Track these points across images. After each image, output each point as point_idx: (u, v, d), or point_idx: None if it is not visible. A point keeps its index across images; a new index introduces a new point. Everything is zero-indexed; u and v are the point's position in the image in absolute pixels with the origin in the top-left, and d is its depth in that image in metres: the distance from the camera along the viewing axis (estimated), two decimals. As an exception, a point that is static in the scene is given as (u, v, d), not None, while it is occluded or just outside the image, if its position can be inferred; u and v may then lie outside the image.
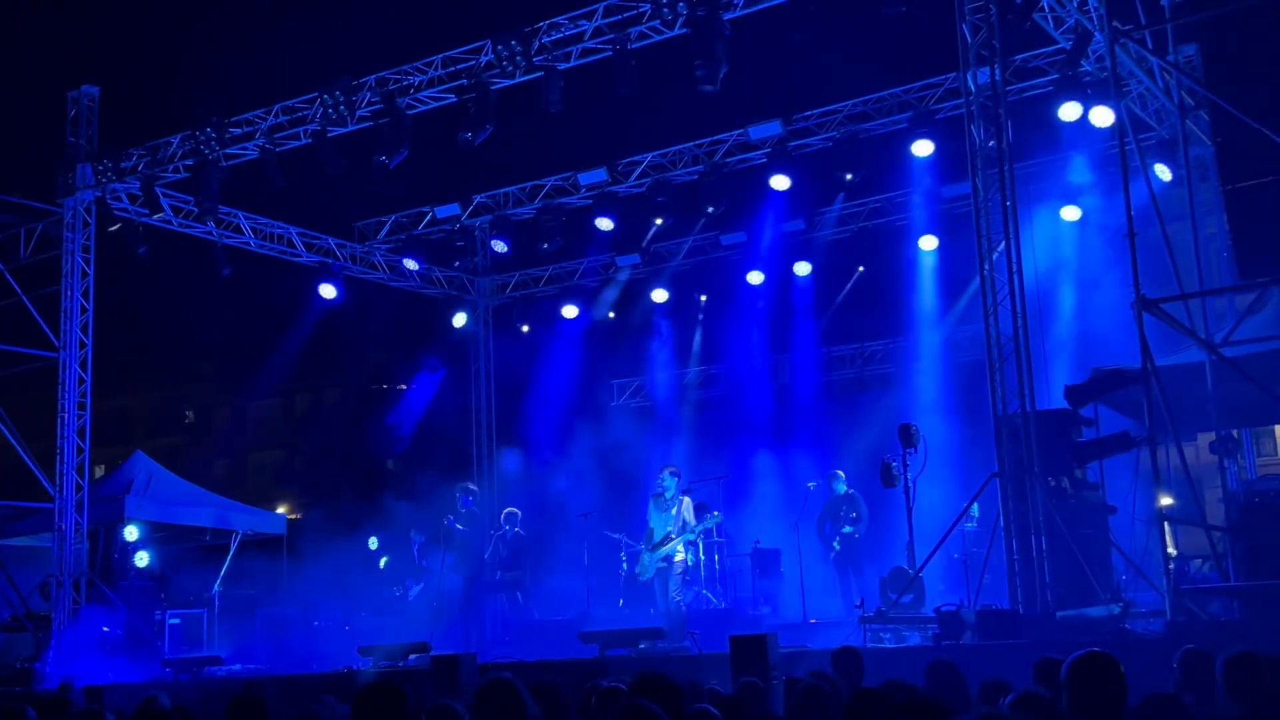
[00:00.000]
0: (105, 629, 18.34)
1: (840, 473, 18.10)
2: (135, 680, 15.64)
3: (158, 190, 19.04)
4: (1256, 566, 11.79)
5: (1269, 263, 15.85)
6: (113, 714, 8.82)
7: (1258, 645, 6.35)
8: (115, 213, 19.40)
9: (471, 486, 17.12)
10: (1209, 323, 14.25)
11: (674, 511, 14.91)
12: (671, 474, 15.16)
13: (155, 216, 19.31)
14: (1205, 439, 15.63)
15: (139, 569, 20.42)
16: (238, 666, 16.77)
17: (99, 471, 33.57)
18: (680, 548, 14.90)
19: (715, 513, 15.41)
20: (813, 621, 16.41)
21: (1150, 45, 15.05)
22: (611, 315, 24.41)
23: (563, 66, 16.08)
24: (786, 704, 6.55)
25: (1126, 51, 14.76)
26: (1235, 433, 15.29)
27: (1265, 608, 11.22)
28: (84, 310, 19.26)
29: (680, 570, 15.02)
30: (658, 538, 14.91)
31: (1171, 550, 13.54)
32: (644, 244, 22.29)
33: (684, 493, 15.40)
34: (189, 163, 18.61)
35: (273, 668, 16.45)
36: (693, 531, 15.01)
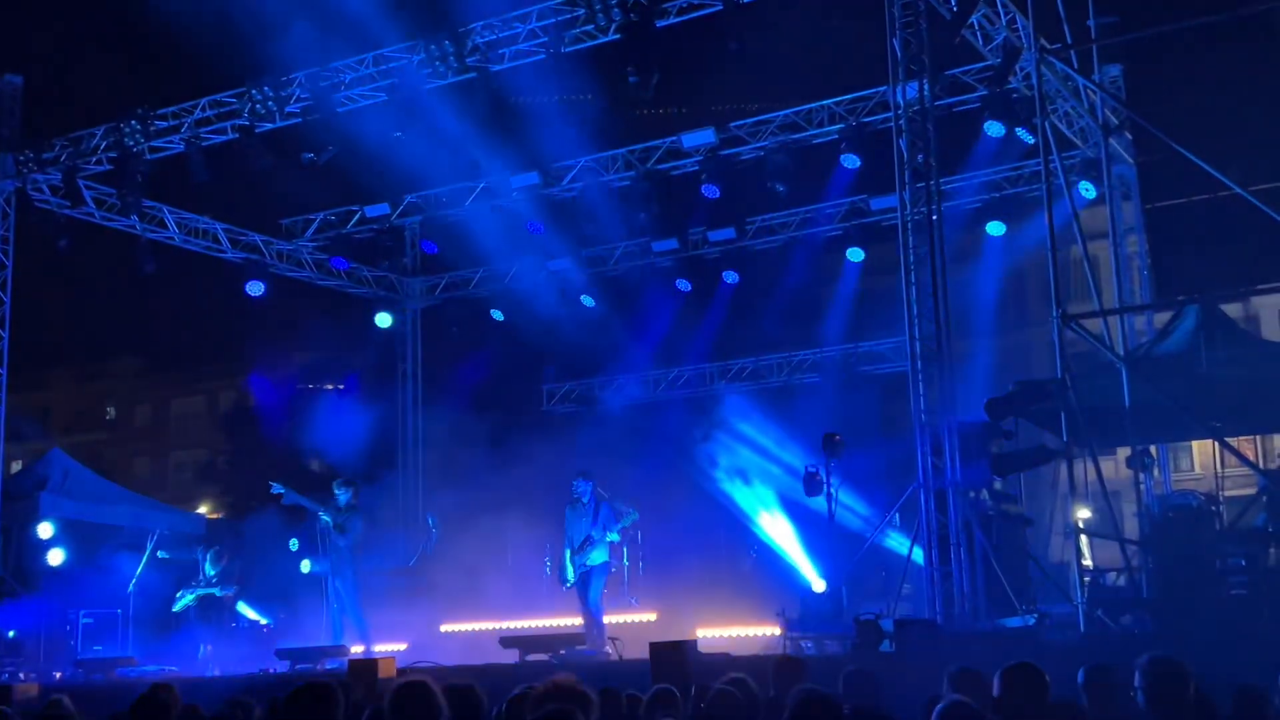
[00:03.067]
0: (12, 633, 17.98)
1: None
2: (46, 681, 15.34)
3: (80, 182, 18.75)
4: (1168, 580, 12.01)
5: (1186, 281, 16.18)
6: (20, 715, 8.66)
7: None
8: (36, 204, 19.08)
9: (349, 481, 16.40)
10: (1129, 339, 14.51)
11: (590, 515, 14.82)
12: (584, 479, 15.02)
13: (77, 209, 19.01)
14: (1124, 453, 15.88)
15: (52, 567, 20.01)
16: (151, 667, 16.45)
17: (15, 467, 32.93)
18: (601, 551, 14.83)
19: (631, 510, 15.22)
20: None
21: (1076, 65, 15.32)
22: (542, 320, 24.30)
23: (495, 68, 16.03)
24: (696, 708, 6.55)
25: (1052, 70, 14.98)
26: (1153, 448, 15.56)
27: (1176, 620, 11.43)
28: (1, 302, 18.91)
29: (602, 575, 14.95)
30: (577, 542, 14.84)
31: (1087, 562, 13.75)
32: (575, 249, 22.23)
33: (604, 498, 15.24)
34: (112, 155, 18.31)
35: (188, 669, 16.17)
36: (614, 532, 14.92)
